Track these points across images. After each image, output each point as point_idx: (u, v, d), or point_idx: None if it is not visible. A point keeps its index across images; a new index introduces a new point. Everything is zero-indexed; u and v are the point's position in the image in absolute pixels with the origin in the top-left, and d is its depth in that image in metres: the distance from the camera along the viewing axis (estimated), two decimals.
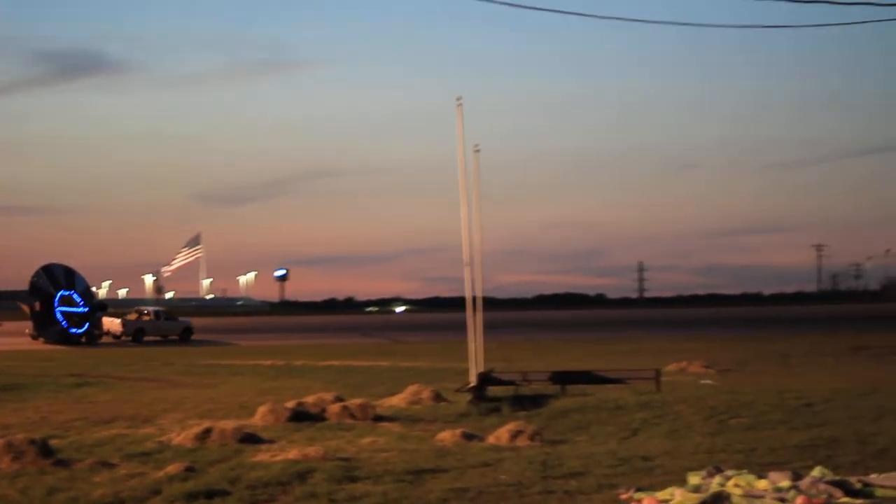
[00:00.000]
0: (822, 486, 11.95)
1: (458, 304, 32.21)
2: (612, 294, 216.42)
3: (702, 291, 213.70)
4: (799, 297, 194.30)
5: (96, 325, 63.43)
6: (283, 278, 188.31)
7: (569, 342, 56.16)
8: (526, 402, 22.56)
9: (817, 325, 74.24)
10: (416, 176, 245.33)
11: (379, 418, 20.39)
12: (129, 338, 64.04)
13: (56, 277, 62.29)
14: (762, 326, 75.61)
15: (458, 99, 23.96)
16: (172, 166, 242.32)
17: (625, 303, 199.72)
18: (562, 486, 12.83)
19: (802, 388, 25.28)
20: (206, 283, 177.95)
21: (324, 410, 20.58)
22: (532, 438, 17.03)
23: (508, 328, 70.25)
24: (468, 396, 23.33)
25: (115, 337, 64.40)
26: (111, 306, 72.94)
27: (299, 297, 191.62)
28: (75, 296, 62.09)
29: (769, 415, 20.00)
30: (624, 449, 16.18)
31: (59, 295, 61.26)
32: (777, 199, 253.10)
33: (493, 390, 23.97)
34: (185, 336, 65.86)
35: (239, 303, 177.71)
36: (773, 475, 12.48)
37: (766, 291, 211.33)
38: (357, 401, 21.39)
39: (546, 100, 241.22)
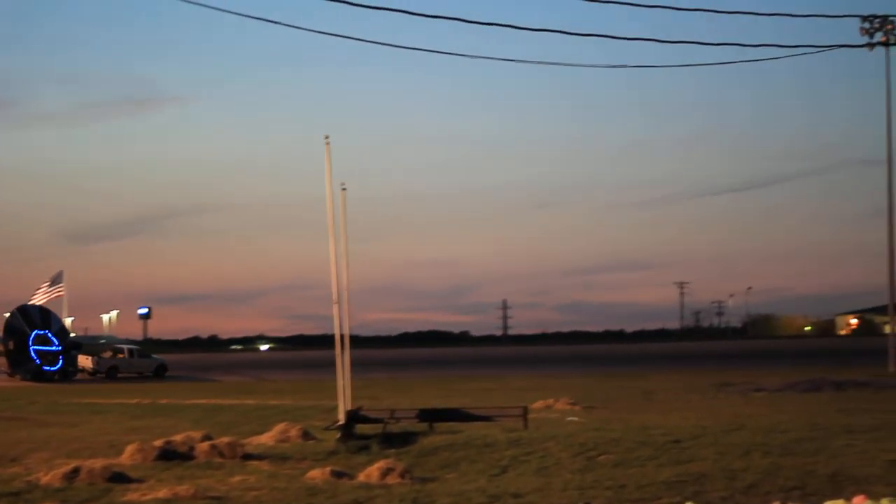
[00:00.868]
0: None
1: (322, 341, 32.06)
2: (476, 331, 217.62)
3: (565, 329, 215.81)
4: (662, 334, 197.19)
5: (71, 363, 64.66)
6: (145, 316, 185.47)
7: (433, 380, 56.23)
8: (395, 440, 22.47)
9: (681, 362, 75.36)
10: (281, 213, 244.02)
11: (248, 457, 20.17)
12: (103, 375, 66.29)
13: (31, 317, 64.14)
14: (626, 363, 76.48)
15: (326, 137, 23.96)
16: (37, 204, 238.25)
17: (489, 340, 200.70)
18: None
19: (669, 424, 25.56)
20: (68, 321, 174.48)
21: (192, 449, 20.28)
22: (402, 476, 16.93)
23: (373, 366, 70.20)
24: (337, 434, 23.17)
25: (90, 374, 66.43)
26: None
27: (162, 335, 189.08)
28: (49, 335, 63.51)
29: (637, 451, 20.12)
30: (494, 486, 16.15)
31: (33, 334, 62.95)
32: (641, 237, 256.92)
33: (361, 428, 23.86)
34: (159, 373, 67.65)
35: (102, 341, 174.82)
36: None
37: (629, 328, 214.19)
38: (225, 439, 21.14)
39: (411, 138, 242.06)
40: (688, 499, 13.64)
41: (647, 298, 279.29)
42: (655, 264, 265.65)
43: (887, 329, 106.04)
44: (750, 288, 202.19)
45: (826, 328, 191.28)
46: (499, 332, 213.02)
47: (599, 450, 20.36)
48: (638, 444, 21.24)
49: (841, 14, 70.89)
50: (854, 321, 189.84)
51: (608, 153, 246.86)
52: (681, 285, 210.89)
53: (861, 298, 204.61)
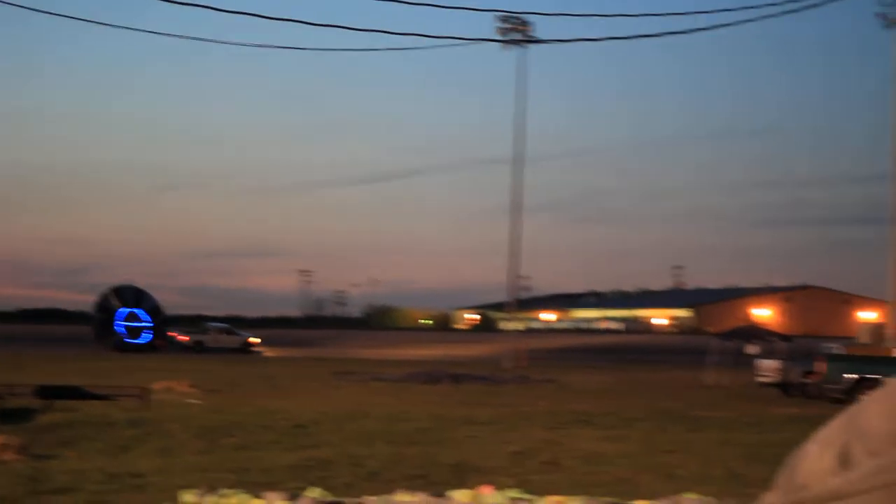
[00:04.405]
0: None
1: None
2: None
3: (187, 312, 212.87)
4: (283, 322, 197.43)
5: (160, 336, 73.28)
6: None
7: (52, 358, 54.35)
8: (10, 416, 21.45)
9: (301, 349, 76.35)
10: None
11: None
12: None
13: (124, 295, 73.60)
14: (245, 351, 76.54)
15: None
16: None
17: None
18: (51, 503, 12.17)
19: (292, 409, 25.51)
20: None
21: None
22: (19, 452, 16.11)
23: None
24: None
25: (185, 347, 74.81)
26: None
27: None
28: (140, 312, 72.64)
29: (260, 435, 19.94)
30: (114, 466, 15.58)
31: (125, 312, 72.19)
32: (269, 223, 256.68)
33: None
34: (245, 349, 75.57)
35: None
36: (270, 495, 12.31)
37: (251, 315, 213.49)
38: None
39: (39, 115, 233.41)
40: (312, 484, 13.47)
41: (272, 285, 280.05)
42: (282, 252, 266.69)
43: (504, 326, 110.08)
44: (374, 279, 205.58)
45: (445, 322, 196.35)
46: None
47: (222, 432, 20.07)
48: (261, 427, 21.09)
49: (483, 8, 72.81)
50: (473, 316, 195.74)
51: (246, 138, 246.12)
52: (304, 273, 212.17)
53: (482, 295, 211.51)
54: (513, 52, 62.83)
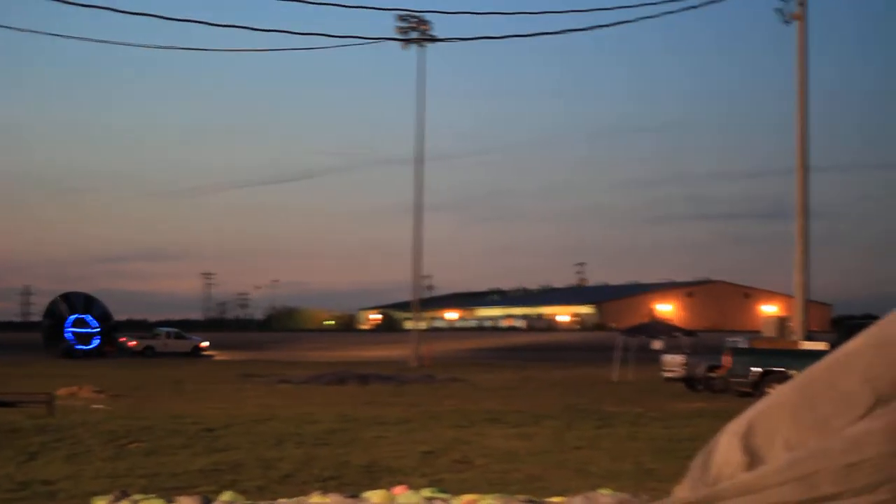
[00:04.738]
0: None
1: None
2: None
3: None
4: (186, 325, 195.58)
5: (110, 342, 73.93)
6: None
7: None
8: None
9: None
10: None
11: None
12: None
13: (73, 302, 74.15)
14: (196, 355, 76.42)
15: None
16: None
17: (9, 326, 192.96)
18: None
19: (200, 413, 25.37)
20: None
21: None
22: None
23: None
24: None
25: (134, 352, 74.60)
26: None
27: None
28: (89, 319, 73.22)
29: (169, 439, 19.78)
30: (23, 473, 15.37)
31: (73, 318, 72.70)
32: (167, 226, 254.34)
33: None
34: (196, 352, 75.67)
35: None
36: (183, 499, 12.27)
37: (154, 318, 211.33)
38: None
39: None
40: (224, 487, 13.43)
41: (175, 288, 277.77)
42: (185, 255, 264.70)
43: (408, 325, 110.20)
44: (276, 281, 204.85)
45: (348, 322, 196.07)
46: (18, 319, 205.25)
47: (131, 437, 19.88)
48: (170, 432, 20.94)
49: (384, 7, 72.78)
50: (376, 316, 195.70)
51: (148, 141, 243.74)
52: (207, 276, 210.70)
53: (386, 295, 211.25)
54: (413, 52, 62.96)
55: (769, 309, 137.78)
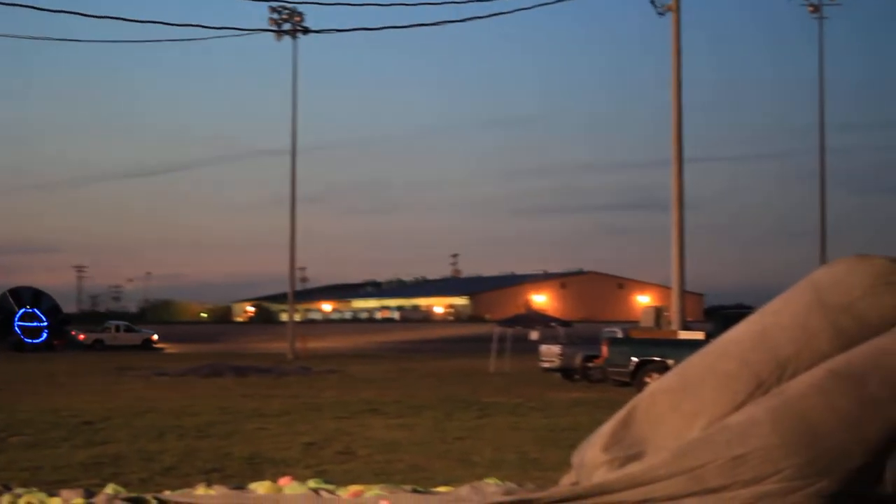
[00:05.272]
0: (118, 503, 11.84)
1: None
2: None
3: None
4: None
5: (58, 336, 74.01)
6: None
7: None
8: None
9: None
10: None
11: None
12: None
13: (21, 297, 74.36)
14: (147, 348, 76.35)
15: None
16: None
17: None
18: None
19: (78, 406, 25.13)
20: None
21: None
22: None
23: None
24: None
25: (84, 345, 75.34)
26: None
27: None
28: (38, 312, 73.55)
29: (49, 433, 19.58)
30: None
31: (21, 312, 72.90)
32: (40, 218, 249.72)
33: None
34: (146, 345, 76.31)
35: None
36: (65, 493, 12.16)
37: None
38: None
39: None
40: (107, 480, 13.35)
41: (48, 281, 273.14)
42: (59, 247, 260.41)
43: (284, 317, 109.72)
44: (149, 273, 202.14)
45: (223, 314, 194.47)
46: None
47: (10, 431, 19.66)
48: (50, 425, 20.77)
49: None
50: (251, 308, 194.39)
51: (21, 133, 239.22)
52: (79, 269, 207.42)
53: (262, 287, 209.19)
54: (288, 43, 62.85)
55: (643, 299, 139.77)
